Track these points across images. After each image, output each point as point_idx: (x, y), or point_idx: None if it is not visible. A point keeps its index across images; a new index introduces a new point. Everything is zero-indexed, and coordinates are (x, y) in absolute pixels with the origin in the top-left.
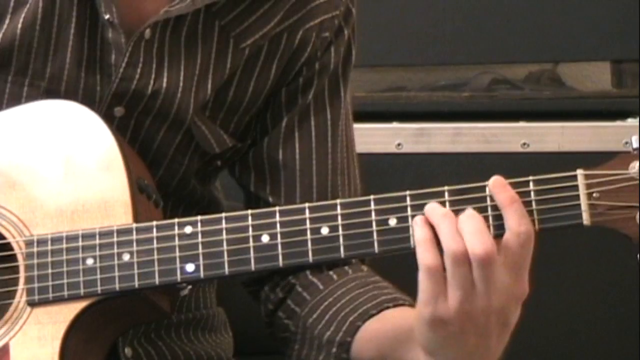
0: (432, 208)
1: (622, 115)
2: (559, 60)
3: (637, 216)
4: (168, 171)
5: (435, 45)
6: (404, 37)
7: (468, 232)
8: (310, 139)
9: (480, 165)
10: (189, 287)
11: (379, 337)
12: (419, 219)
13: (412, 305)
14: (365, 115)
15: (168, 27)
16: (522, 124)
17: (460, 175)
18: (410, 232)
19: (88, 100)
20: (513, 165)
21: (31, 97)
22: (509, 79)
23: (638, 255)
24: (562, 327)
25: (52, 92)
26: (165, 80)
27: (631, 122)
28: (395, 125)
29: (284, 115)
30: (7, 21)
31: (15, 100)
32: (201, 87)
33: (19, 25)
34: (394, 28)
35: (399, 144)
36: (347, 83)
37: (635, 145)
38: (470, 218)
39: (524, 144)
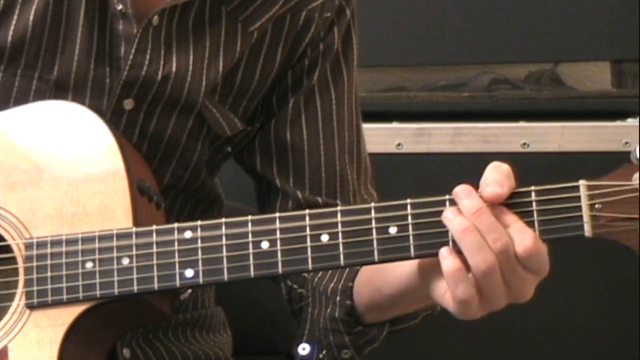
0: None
1: (622, 115)
2: (559, 60)
3: None
4: (181, 161)
5: (435, 45)
6: (404, 37)
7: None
8: (317, 120)
9: (480, 165)
10: (189, 290)
11: (376, 274)
12: (444, 250)
13: None
14: (365, 115)
15: (175, 13)
16: (522, 124)
17: (460, 176)
18: (411, 241)
19: (97, 93)
20: (513, 165)
21: (40, 91)
22: (509, 79)
23: None
24: (563, 337)
25: (61, 86)
26: (174, 65)
27: (631, 122)
28: (395, 125)
29: (290, 97)
30: (17, 12)
31: (23, 94)
32: (211, 70)
33: (31, 18)
34: (394, 28)
35: (399, 144)
36: (350, 64)
37: (639, 156)
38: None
39: (524, 144)
